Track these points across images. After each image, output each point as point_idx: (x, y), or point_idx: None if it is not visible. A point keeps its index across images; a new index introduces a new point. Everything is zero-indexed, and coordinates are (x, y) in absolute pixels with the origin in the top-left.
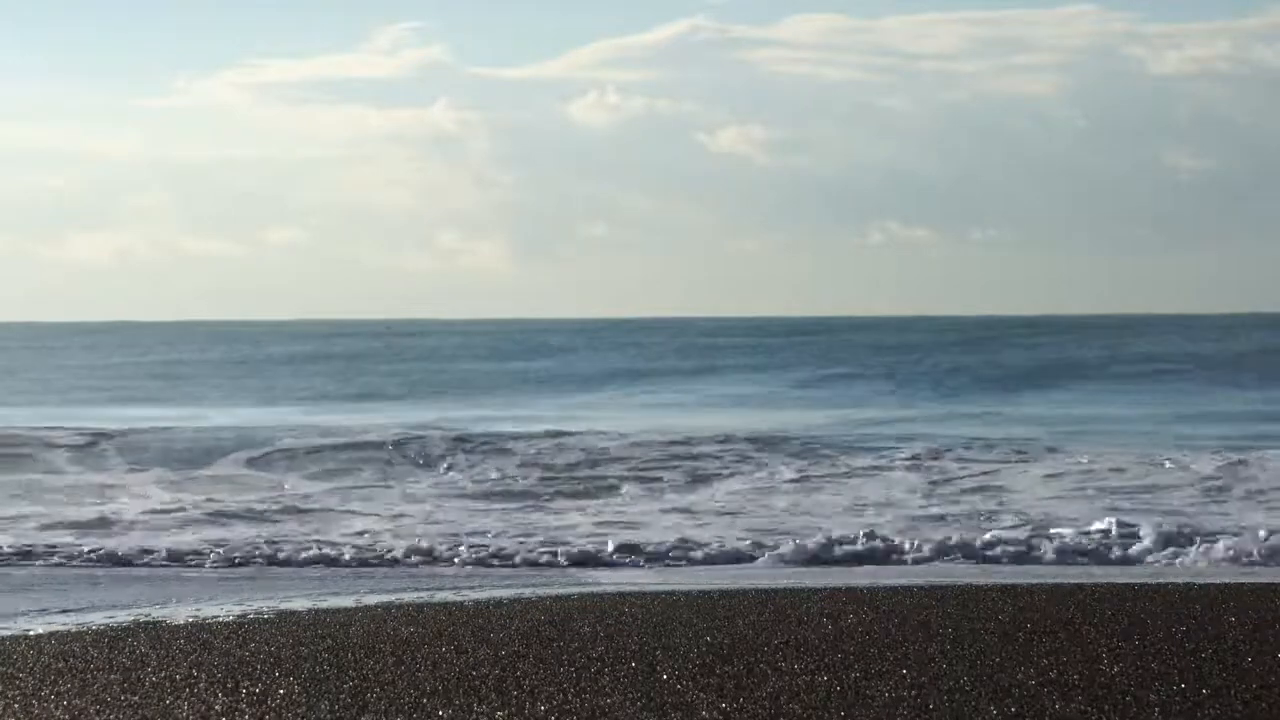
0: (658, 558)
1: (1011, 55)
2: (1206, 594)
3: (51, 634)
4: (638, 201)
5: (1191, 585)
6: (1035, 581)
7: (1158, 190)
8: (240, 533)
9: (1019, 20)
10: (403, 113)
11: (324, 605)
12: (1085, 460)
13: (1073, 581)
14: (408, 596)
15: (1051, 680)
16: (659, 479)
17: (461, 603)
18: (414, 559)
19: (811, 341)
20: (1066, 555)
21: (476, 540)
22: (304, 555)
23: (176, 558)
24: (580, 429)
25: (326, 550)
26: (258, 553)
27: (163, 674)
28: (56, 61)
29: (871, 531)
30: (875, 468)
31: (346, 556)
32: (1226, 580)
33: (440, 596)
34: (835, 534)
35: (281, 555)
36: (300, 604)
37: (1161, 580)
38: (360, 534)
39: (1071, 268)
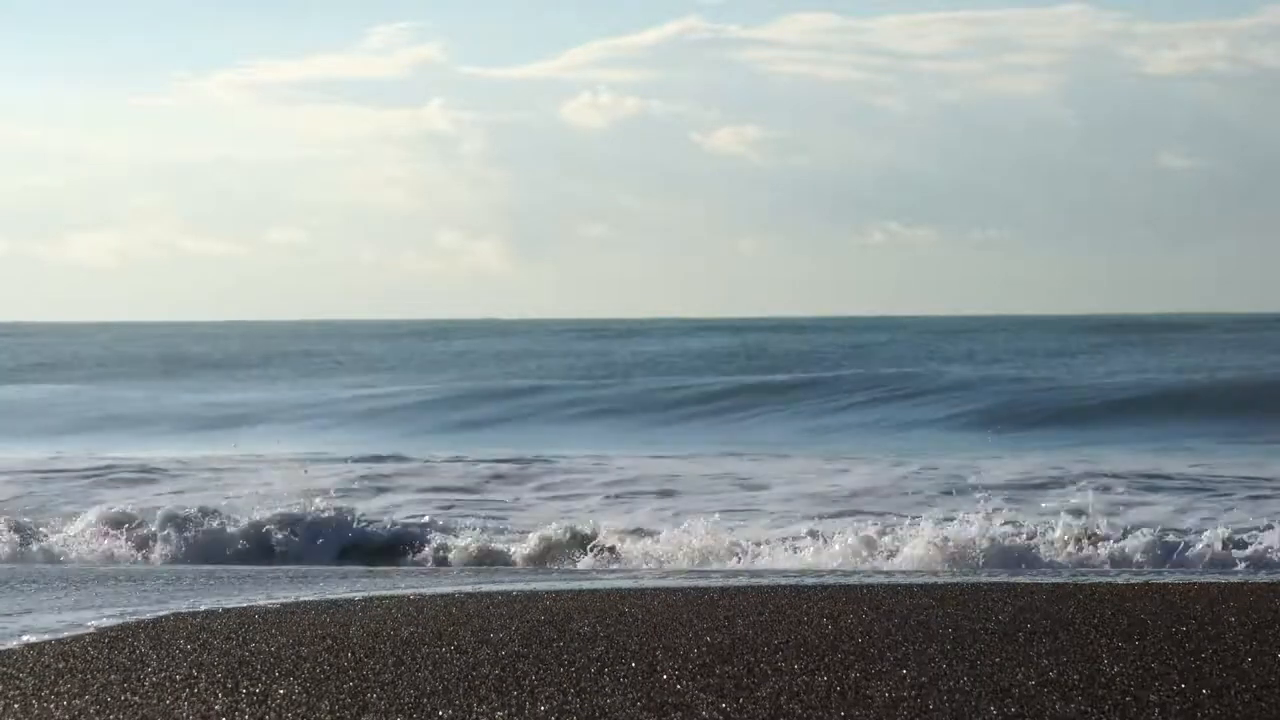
0: None
1: (1006, 55)
2: (1206, 594)
3: (51, 634)
4: (633, 202)
5: (1191, 585)
6: (1035, 581)
7: (1155, 190)
8: None
9: (1012, 20)
10: (398, 112)
11: (324, 604)
12: None
13: (1073, 581)
14: (408, 596)
15: (1051, 680)
16: None
17: (462, 603)
18: None
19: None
20: None
21: None
22: None
23: None
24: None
25: None
26: None
27: (163, 674)
28: (56, 61)
29: None
30: None
31: None
32: (1226, 580)
33: (440, 596)
34: None
35: None
36: (300, 603)
37: (1161, 580)
38: None
39: (1070, 267)
